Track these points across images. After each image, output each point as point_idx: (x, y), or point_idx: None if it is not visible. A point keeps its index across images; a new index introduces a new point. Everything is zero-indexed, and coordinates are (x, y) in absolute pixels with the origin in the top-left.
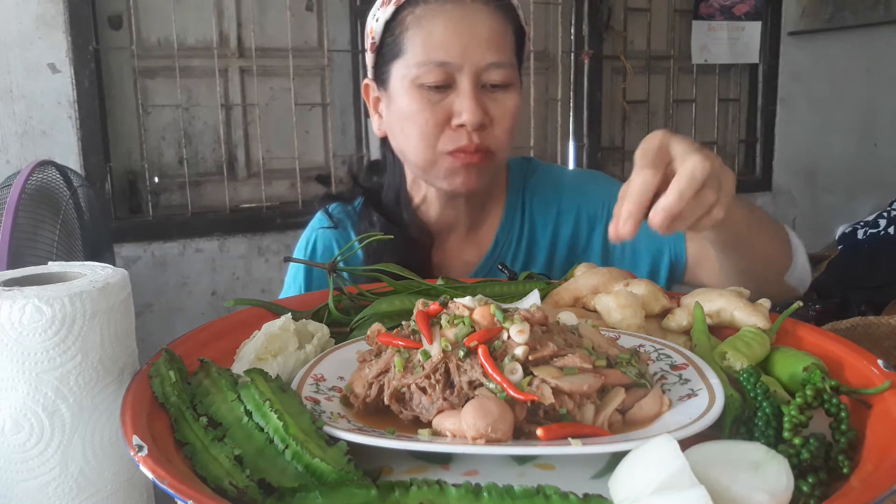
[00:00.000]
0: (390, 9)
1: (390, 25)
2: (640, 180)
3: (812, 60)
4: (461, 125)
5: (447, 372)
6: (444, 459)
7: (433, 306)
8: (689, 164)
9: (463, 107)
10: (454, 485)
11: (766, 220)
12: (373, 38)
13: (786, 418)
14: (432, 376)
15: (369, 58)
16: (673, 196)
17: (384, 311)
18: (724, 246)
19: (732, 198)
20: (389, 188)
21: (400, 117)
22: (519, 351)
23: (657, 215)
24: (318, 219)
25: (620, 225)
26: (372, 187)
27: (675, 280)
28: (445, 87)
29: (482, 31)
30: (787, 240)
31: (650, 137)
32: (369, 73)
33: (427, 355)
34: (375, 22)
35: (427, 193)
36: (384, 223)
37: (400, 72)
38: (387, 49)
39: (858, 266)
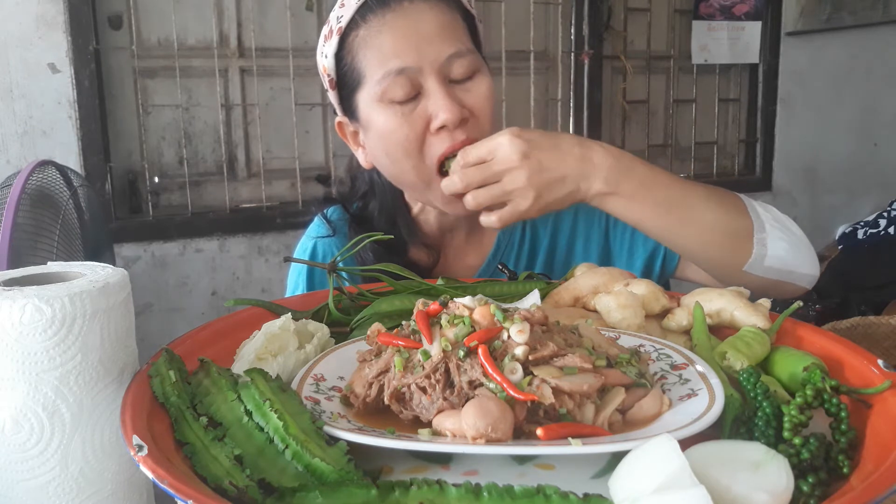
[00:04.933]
0: (334, 40)
1: (340, 56)
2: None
3: (812, 60)
4: (442, 127)
5: (447, 372)
6: (444, 459)
7: (433, 306)
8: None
9: (438, 107)
10: (454, 485)
11: (714, 200)
12: (328, 75)
13: (786, 418)
14: (432, 376)
15: (332, 96)
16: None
17: (384, 311)
18: (641, 220)
19: (610, 172)
20: (382, 213)
21: (379, 140)
22: (519, 351)
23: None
24: (316, 225)
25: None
26: (362, 214)
27: (667, 274)
28: (415, 96)
29: (430, 28)
30: (748, 216)
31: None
32: (338, 111)
33: (427, 355)
34: (325, 59)
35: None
36: (379, 250)
37: (365, 96)
38: (345, 80)
39: (858, 266)
